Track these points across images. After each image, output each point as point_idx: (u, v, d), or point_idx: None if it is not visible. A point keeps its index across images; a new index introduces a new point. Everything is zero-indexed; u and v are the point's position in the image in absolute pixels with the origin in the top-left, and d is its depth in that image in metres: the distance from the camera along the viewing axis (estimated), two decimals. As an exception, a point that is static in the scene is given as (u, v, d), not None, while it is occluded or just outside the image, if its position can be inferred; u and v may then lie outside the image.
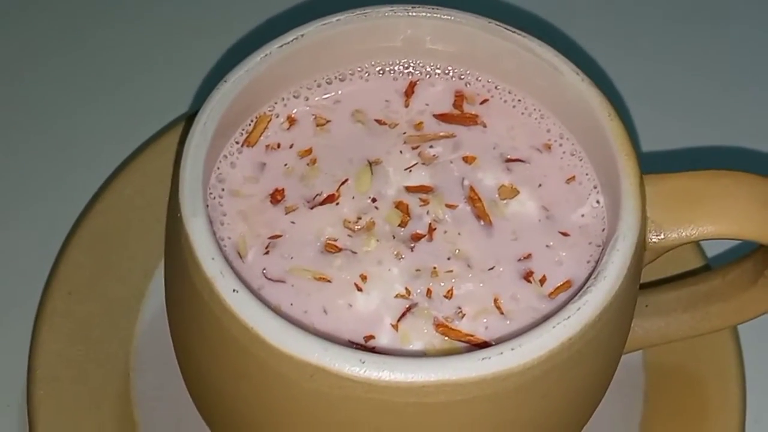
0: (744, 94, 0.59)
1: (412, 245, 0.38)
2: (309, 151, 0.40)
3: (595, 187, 0.40)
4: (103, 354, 0.45)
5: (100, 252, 0.47)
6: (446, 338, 0.36)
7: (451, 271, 0.38)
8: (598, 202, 0.39)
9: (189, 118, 0.50)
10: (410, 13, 0.41)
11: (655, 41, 0.61)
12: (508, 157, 0.41)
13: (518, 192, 0.40)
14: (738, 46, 0.61)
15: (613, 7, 0.62)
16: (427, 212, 0.39)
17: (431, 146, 0.41)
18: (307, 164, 0.40)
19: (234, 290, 0.34)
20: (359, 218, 0.39)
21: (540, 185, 0.40)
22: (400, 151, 0.40)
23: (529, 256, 0.38)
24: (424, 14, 0.41)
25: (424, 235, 0.38)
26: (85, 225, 0.48)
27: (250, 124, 0.41)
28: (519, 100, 0.42)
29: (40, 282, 0.47)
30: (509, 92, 0.42)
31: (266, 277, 0.37)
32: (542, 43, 0.40)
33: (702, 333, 0.42)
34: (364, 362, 0.32)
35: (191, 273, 0.35)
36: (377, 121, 0.41)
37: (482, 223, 0.39)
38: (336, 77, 0.42)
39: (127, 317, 0.46)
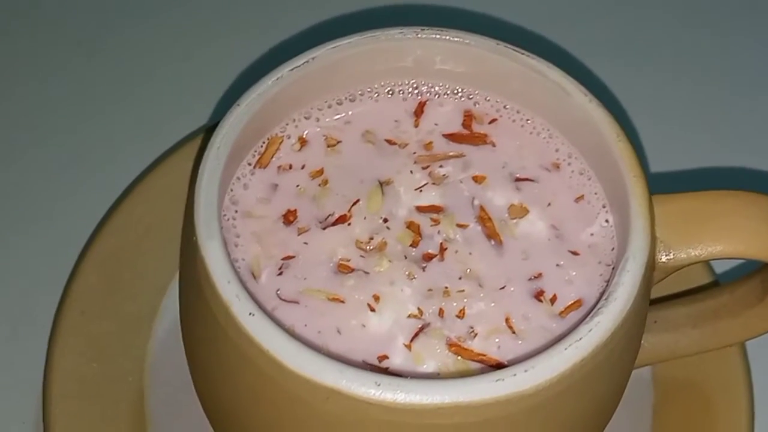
0: (753, 114, 0.59)
1: (424, 265, 0.38)
2: (320, 172, 0.41)
3: (603, 207, 0.40)
4: (117, 372, 0.46)
5: (113, 270, 0.48)
6: (459, 358, 0.37)
7: (463, 290, 0.38)
8: (607, 221, 0.40)
9: (207, 131, 0.50)
10: (419, 36, 0.41)
11: (665, 62, 0.61)
12: (518, 176, 0.41)
13: (528, 211, 0.40)
14: (746, 67, 0.61)
15: (621, 29, 0.62)
16: (438, 232, 0.39)
17: (441, 166, 0.41)
18: (319, 185, 0.40)
19: (250, 313, 0.34)
20: (371, 238, 0.39)
21: (549, 204, 0.40)
22: (411, 171, 0.41)
23: (539, 276, 0.39)
24: (433, 36, 0.41)
25: (436, 255, 0.39)
26: (97, 243, 0.48)
27: (262, 146, 0.41)
28: (527, 120, 0.42)
29: (53, 301, 0.47)
30: (518, 112, 0.42)
31: (280, 298, 0.38)
32: (550, 65, 0.40)
33: (710, 349, 0.43)
34: (379, 385, 0.33)
35: (207, 296, 0.35)
36: (387, 141, 0.42)
37: (493, 242, 0.39)
38: (346, 98, 0.42)
39: (140, 335, 0.47)
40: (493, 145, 0.42)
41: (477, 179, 0.41)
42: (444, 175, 0.41)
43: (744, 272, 0.42)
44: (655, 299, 0.41)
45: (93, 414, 0.44)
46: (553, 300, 0.38)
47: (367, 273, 0.38)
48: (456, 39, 0.41)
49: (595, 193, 0.40)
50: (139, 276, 0.48)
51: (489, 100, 0.42)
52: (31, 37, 0.61)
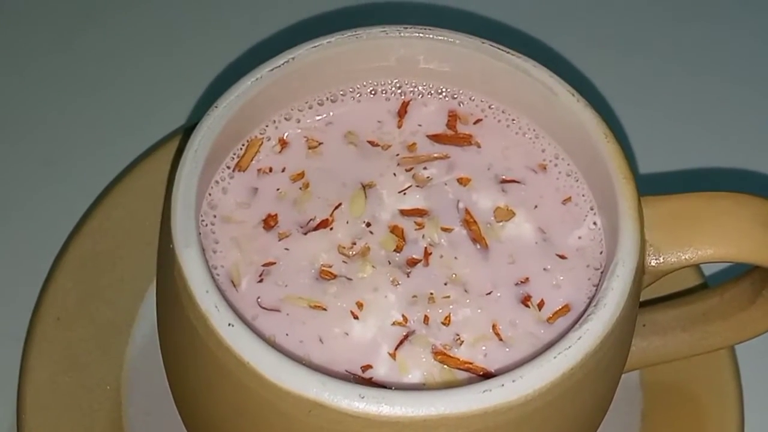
0: (743, 114, 0.59)
1: (408, 271, 0.38)
2: (301, 175, 0.40)
3: (591, 209, 0.39)
4: (93, 380, 0.45)
5: (89, 275, 0.47)
6: (445, 366, 0.36)
7: (449, 296, 0.37)
8: (595, 223, 0.39)
9: (185, 132, 0.49)
10: (402, 34, 0.40)
11: (654, 61, 0.61)
12: (503, 177, 0.40)
13: (514, 214, 0.39)
14: (738, 65, 0.61)
15: (609, 27, 0.62)
16: (423, 236, 0.38)
17: (425, 168, 0.40)
18: (300, 188, 0.39)
19: (229, 324, 0.33)
20: (354, 243, 0.38)
21: (536, 206, 0.39)
22: (394, 174, 0.40)
23: (526, 280, 0.38)
24: (417, 35, 0.40)
25: (420, 260, 0.38)
26: (73, 247, 0.47)
27: (241, 148, 0.40)
28: (513, 120, 0.41)
29: (28, 307, 0.46)
30: (503, 112, 0.41)
31: (261, 306, 0.37)
32: (537, 64, 0.39)
33: (700, 352, 0.42)
34: (363, 397, 0.32)
35: (185, 306, 0.34)
36: (370, 142, 0.41)
37: (478, 246, 0.38)
38: (327, 99, 0.41)
39: (117, 342, 0.46)
40: (478, 146, 0.41)
41: (462, 181, 0.40)
42: (428, 177, 0.40)
43: (732, 274, 0.41)
44: (643, 302, 0.40)
45: (69, 424, 0.43)
46: (540, 305, 0.37)
47: (349, 279, 0.37)
48: (440, 38, 0.40)
49: (583, 195, 0.39)
50: (117, 280, 0.47)
51: (474, 99, 0.42)
52: (7, 33, 0.60)
